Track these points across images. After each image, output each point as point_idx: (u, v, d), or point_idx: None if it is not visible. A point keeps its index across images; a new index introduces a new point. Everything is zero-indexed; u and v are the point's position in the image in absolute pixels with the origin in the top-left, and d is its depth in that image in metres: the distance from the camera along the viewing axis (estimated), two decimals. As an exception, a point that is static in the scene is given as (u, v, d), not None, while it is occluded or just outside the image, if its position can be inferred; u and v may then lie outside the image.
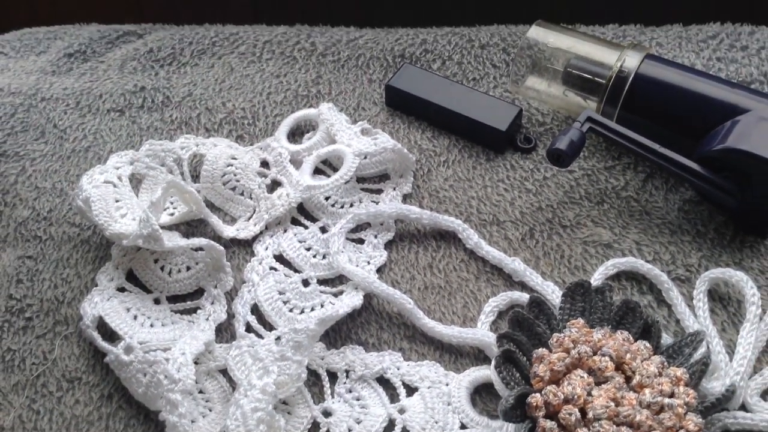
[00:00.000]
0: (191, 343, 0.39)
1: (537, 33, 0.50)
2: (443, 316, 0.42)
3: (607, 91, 0.46)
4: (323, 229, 0.46)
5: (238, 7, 0.77)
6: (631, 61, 0.46)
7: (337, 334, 0.42)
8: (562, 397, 0.36)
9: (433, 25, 0.58)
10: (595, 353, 0.38)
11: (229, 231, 0.46)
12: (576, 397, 0.36)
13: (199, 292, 0.44)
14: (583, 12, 0.61)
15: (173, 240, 0.43)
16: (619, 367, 0.37)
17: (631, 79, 0.46)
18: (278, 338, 0.41)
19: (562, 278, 0.43)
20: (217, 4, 0.75)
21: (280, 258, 0.45)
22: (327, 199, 0.47)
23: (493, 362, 0.38)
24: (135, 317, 0.42)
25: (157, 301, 0.43)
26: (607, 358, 0.37)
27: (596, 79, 0.47)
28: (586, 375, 0.37)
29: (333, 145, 0.48)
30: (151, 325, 0.41)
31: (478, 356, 0.41)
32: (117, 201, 0.44)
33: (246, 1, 0.74)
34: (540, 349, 0.38)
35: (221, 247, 0.43)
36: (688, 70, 0.46)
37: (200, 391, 0.39)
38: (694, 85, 0.45)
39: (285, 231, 0.46)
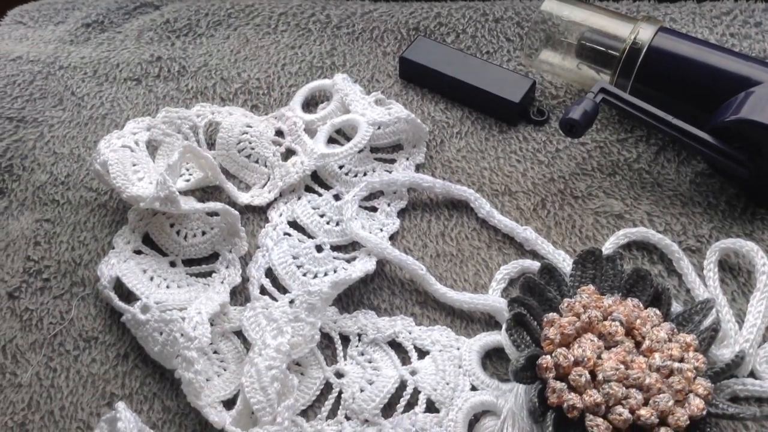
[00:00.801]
0: (207, 304, 0.40)
1: (551, 6, 0.50)
2: (455, 283, 0.43)
3: (620, 63, 0.46)
4: (337, 197, 0.47)
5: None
6: (645, 33, 0.46)
7: (349, 299, 0.42)
8: (572, 359, 0.36)
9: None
10: (605, 318, 0.38)
11: (243, 197, 0.46)
12: (586, 359, 0.36)
13: (214, 257, 0.44)
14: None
15: (189, 203, 0.43)
16: (629, 332, 0.38)
17: (644, 51, 0.46)
18: (292, 301, 0.41)
19: (573, 248, 0.44)
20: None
21: (294, 224, 0.45)
22: (341, 167, 0.47)
23: (504, 325, 0.38)
24: (151, 278, 0.42)
25: (173, 264, 0.44)
26: (617, 323, 0.37)
27: (610, 51, 0.47)
28: (596, 339, 0.37)
29: (347, 115, 0.48)
30: (167, 287, 0.42)
31: (489, 322, 0.41)
32: (134, 165, 0.45)
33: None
34: (551, 314, 0.38)
35: (236, 212, 0.43)
36: (701, 42, 0.46)
37: (215, 352, 0.40)
38: (708, 58, 0.45)
39: (299, 198, 0.46)
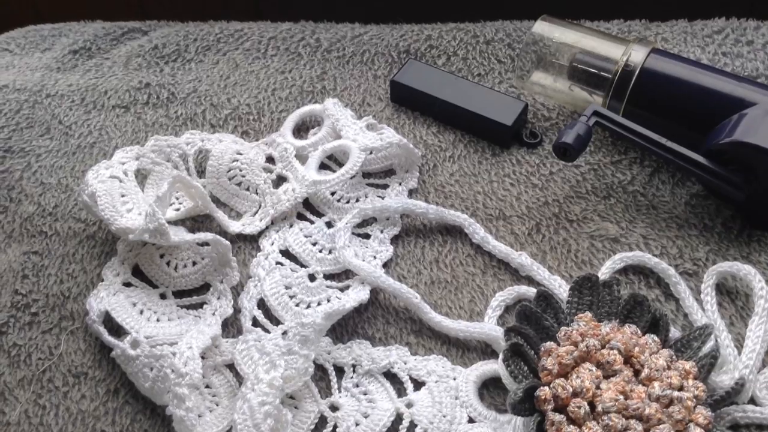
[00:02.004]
0: (198, 338, 0.39)
1: (542, 28, 0.49)
2: (450, 311, 0.42)
3: (613, 85, 0.46)
4: (329, 224, 0.46)
5: (242, 5, 0.77)
6: (637, 55, 0.46)
7: (343, 328, 0.42)
8: (571, 390, 0.35)
9: (437, 21, 0.57)
10: (603, 346, 0.37)
11: (234, 226, 0.46)
12: (585, 390, 0.35)
13: (205, 288, 0.44)
14: (588, 7, 0.61)
15: (179, 234, 0.43)
16: (627, 360, 0.37)
17: (637, 73, 0.46)
18: (285, 332, 0.41)
19: (569, 273, 0.43)
20: (220, 2, 0.75)
21: (286, 253, 0.45)
22: (333, 194, 0.47)
23: (500, 356, 0.38)
24: (141, 312, 0.42)
25: (163, 296, 0.43)
26: (615, 352, 0.37)
27: (602, 73, 0.47)
28: (594, 368, 0.36)
29: (338, 140, 0.48)
30: (158, 320, 0.41)
31: (486, 350, 0.41)
32: (123, 196, 0.44)
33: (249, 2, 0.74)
34: (548, 343, 0.38)
35: (227, 242, 0.43)
36: (694, 63, 0.46)
37: (207, 386, 0.39)
38: (701, 79, 0.45)
39: (291, 226, 0.46)
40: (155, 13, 0.77)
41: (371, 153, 0.48)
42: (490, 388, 0.39)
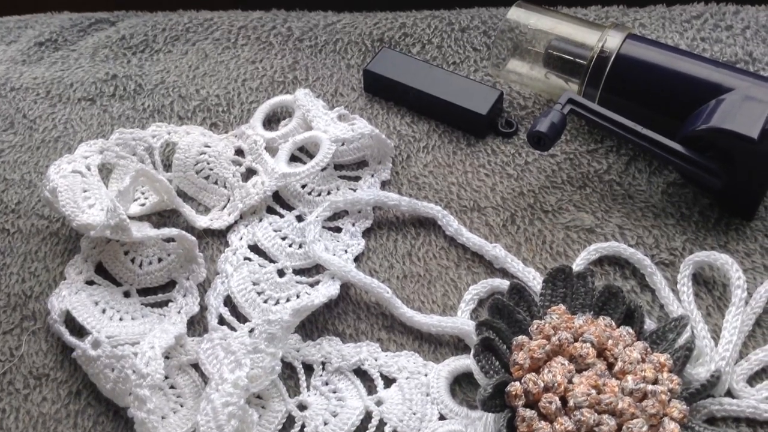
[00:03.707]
0: (161, 337, 0.38)
1: (517, 14, 0.48)
2: (422, 305, 0.41)
3: (588, 72, 0.45)
4: (299, 218, 0.45)
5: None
6: (613, 41, 0.45)
7: (313, 325, 0.41)
8: (542, 385, 0.35)
9: (412, 8, 0.56)
10: (576, 340, 0.37)
11: (202, 221, 0.45)
12: (556, 384, 0.34)
13: (171, 285, 0.42)
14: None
15: (143, 230, 0.41)
16: (601, 353, 0.36)
17: (612, 59, 0.44)
18: (252, 330, 0.39)
19: (544, 264, 0.42)
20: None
21: (255, 248, 0.44)
22: (303, 187, 0.46)
23: (472, 351, 0.37)
24: (103, 311, 0.40)
25: (127, 294, 0.42)
26: (588, 345, 0.36)
27: (577, 60, 0.46)
28: (566, 362, 0.36)
29: (309, 132, 0.47)
30: (120, 319, 0.40)
31: (458, 345, 0.40)
32: (85, 191, 0.43)
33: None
34: (520, 337, 0.37)
35: (193, 238, 0.42)
36: (670, 49, 0.45)
37: (171, 386, 0.38)
38: (677, 65, 0.44)
39: (260, 220, 0.45)
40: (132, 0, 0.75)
41: (343, 144, 0.47)
42: (462, 384, 0.38)
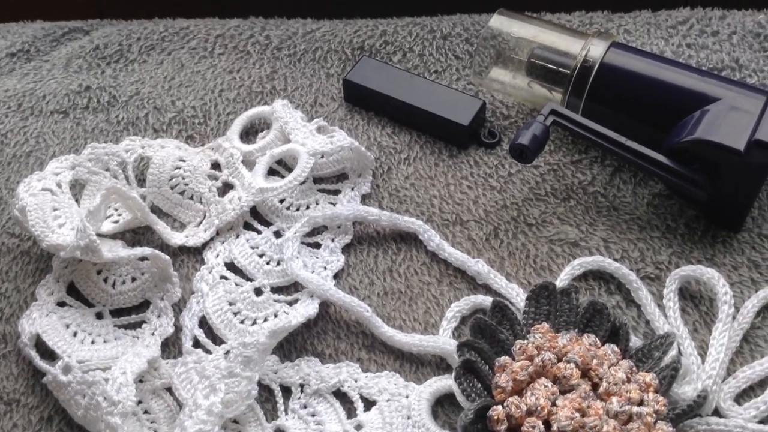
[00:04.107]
0: (133, 361, 0.37)
1: (499, 22, 0.47)
2: (404, 323, 0.40)
3: (571, 81, 0.44)
4: (277, 234, 0.44)
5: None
6: (596, 49, 0.44)
7: (291, 345, 0.40)
8: (525, 408, 0.34)
9: (393, 15, 0.55)
10: (560, 360, 0.36)
11: (177, 238, 0.43)
12: (539, 408, 0.34)
13: (145, 305, 0.41)
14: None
15: (114, 250, 0.40)
16: (585, 373, 0.36)
17: (596, 68, 0.44)
18: (227, 353, 0.38)
19: (528, 279, 0.41)
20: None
21: (231, 266, 0.42)
22: (281, 201, 0.45)
23: (453, 373, 0.36)
24: (75, 334, 0.39)
25: (99, 316, 0.41)
26: (572, 365, 0.35)
27: (560, 69, 0.45)
28: (550, 384, 0.35)
29: (287, 145, 0.46)
30: (92, 342, 0.39)
31: (440, 365, 0.39)
32: (55, 210, 0.42)
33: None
34: (502, 358, 0.36)
35: (167, 257, 0.40)
36: (655, 58, 0.44)
37: (145, 411, 0.37)
38: (662, 74, 0.43)
39: (237, 236, 0.43)
40: (112, 7, 0.74)
41: (322, 157, 0.45)
42: (444, 405, 0.37)
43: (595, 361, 0.35)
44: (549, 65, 0.45)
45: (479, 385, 0.35)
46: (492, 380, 0.35)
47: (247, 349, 0.36)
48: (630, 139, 0.41)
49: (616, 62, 0.44)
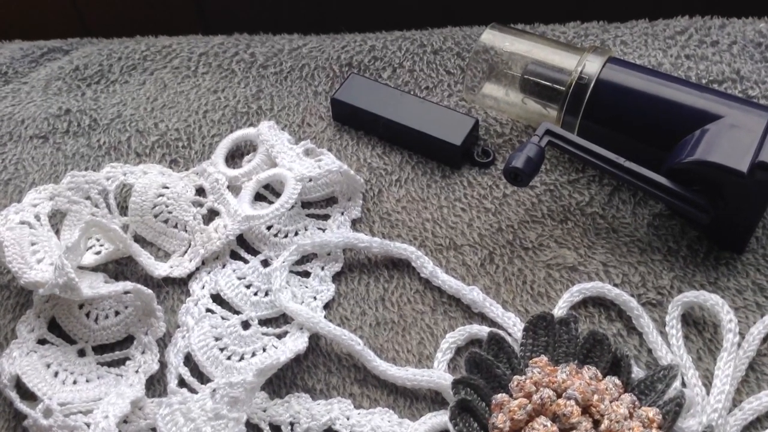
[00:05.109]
0: (116, 403, 0.36)
1: (491, 37, 0.46)
2: (397, 355, 0.39)
3: (566, 99, 0.43)
4: (265, 263, 0.42)
5: (185, 16, 0.72)
6: (592, 66, 0.42)
7: (281, 380, 0.38)
8: (524, 450, 0.32)
9: (382, 29, 0.53)
10: (559, 396, 0.34)
11: (161, 269, 0.42)
12: (539, 450, 0.32)
13: (129, 340, 0.40)
14: (544, 10, 0.58)
15: (95, 286, 0.39)
16: (586, 410, 0.34)
17: (592, 86, 0.42)
18: (214, 391, 0.37)
19: (525, 307, 0.40)
20: (162, 16, 0.70)
21: (217, 297, 0.41)
22: (269, 228, 0.43)
23: (448, 413, 0.34)
24: (56, 374, 0.38)
25: (81, 353, 0.39)
26: (572, 402, 0.34)
27: (555, 86, 0.43)
28: (549, 423, 0.33)
29: (273, 169, 0.44)
30: (74, 382, 0.38)
31: (436, 399, 0.37)
32: (33, 244, 0.40)
33: (191, 10, 0.69)
34: (499, 395, 0.35)
35: (149, 291, 0.39)
36: (653, 73, 0.43)
37: (130, 455, 0.36)
38: (661, 91, 0.41)
39: (224, 266, 0.42)
40: (96, 24, 0.72)
41: (310, 181, 0.44)
42: (440, 443, 0.36)
43: (596, 397, 0.34)
44: (543, 82, 0.44)
45: (476, 425, 0.34)
46: (489, 420, 0.34)
47: (233, 389, 0.35)
48: (629, 159, 0.40)
49: (612, 79, 0.42)
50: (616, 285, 0.40)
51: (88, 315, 0.40)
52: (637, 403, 0.35)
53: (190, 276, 0.42)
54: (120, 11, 0.69)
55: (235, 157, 0.47)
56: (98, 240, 0.43)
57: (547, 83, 0.44)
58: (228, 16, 0.69)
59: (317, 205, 0.45)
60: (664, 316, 0.39)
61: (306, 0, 0.66)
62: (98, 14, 0.71)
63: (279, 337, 0.40)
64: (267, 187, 0.45)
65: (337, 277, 0.42)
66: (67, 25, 0.70)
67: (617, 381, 0.35)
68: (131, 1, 0.67)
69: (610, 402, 0.34)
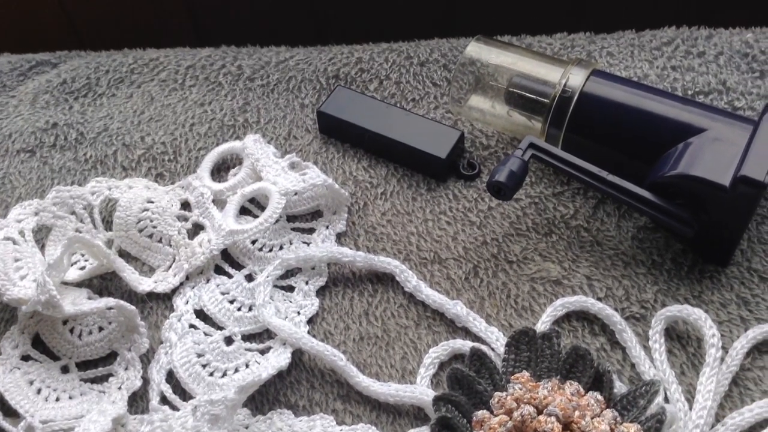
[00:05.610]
0: (97, 420, 0.36)
1: (476, 50, 0.46)
2: (380, 370, 0.39)
3: (551, 112, 0.43)
4: (249, 277, 0.42)
5: (179, 26, 0.72)
6: (576, 78, 0.42)
7: (263, 396, 0.38)
8: (503, 468, 0.32)
9: (368, 41, 0.53)
10: (540, 412, 0.34)
11: (145, 285, 0.42)
12: (518, 467, 0.32)
13: (112, 356, 0.40)
14: (529, 21, 0.57)
15: (78, 303, 0.39)
16: (567, 426, 0.34)
17: (575, 98, 0.42)
18: (195, 408, 0.37)
19: (509, 321, 0.40)
20: (158, 26, 0.70)
21: (201, 313, 0.41)
22: (254, 242, 0.43)
23: (429, 430, 0.34)
24: (39, 391, 0.38)
25: (65, 369, 0.39)
26: (553, 419, 0.34)
27: (539, 98, 0.43)
28: (530, 440, 0.33)
29: (258, 183, 0.44)
30: (57, 399, 0.38)
31: (419, 415, 0.37)
32: (17, 260, 0.40)
33: (186, 22, 0.69)
34: (480, 412, 0.35)
35: (132, 308, 0.39)
36: (637, 86, 0.43)
37: (111, 472, 0.36)
38: (644, 104, 0.41)
39: (208, 281, 0.42)
40: (91, 36, 0.72)
41: (295, 194, 0.44)
42: (422, 459, 0.36)
43: (577, 413, 0.34)
44: (527, 94, 0.44)
45: (456, 442, 0.34)
46: (469, 437, 0.34)
47: (214, 406, 0.35)
48: (612, 173, 0.40)
49: (596, 92, 0.42)
50: (599, 299, 0.40)
51: (72, 331, 0.40)
52: (618, 419, 0.34)
53: (174, 291, 0.42)
54: (112, 20, 0.69)
55: (221, 170, 0.47)
56: (83, 255, 0.43)
57: (532, 96, 0.44)
58: (221, 25, 0.69)
59: (302, 219, 0.45)
60: (648, 330, 0.38)
61: (296, 10, 0.66)
62: (90, 24, 0.71)
63: (262, 352, 0.40)
64: (252, 200, 0.45)
65: (321, 292, 0.42)
66: (59, 35, 0.71)
67: (599, 396, 0.35)
68: (123, 9, 0.67)
69: (592, 418, 0.34)
